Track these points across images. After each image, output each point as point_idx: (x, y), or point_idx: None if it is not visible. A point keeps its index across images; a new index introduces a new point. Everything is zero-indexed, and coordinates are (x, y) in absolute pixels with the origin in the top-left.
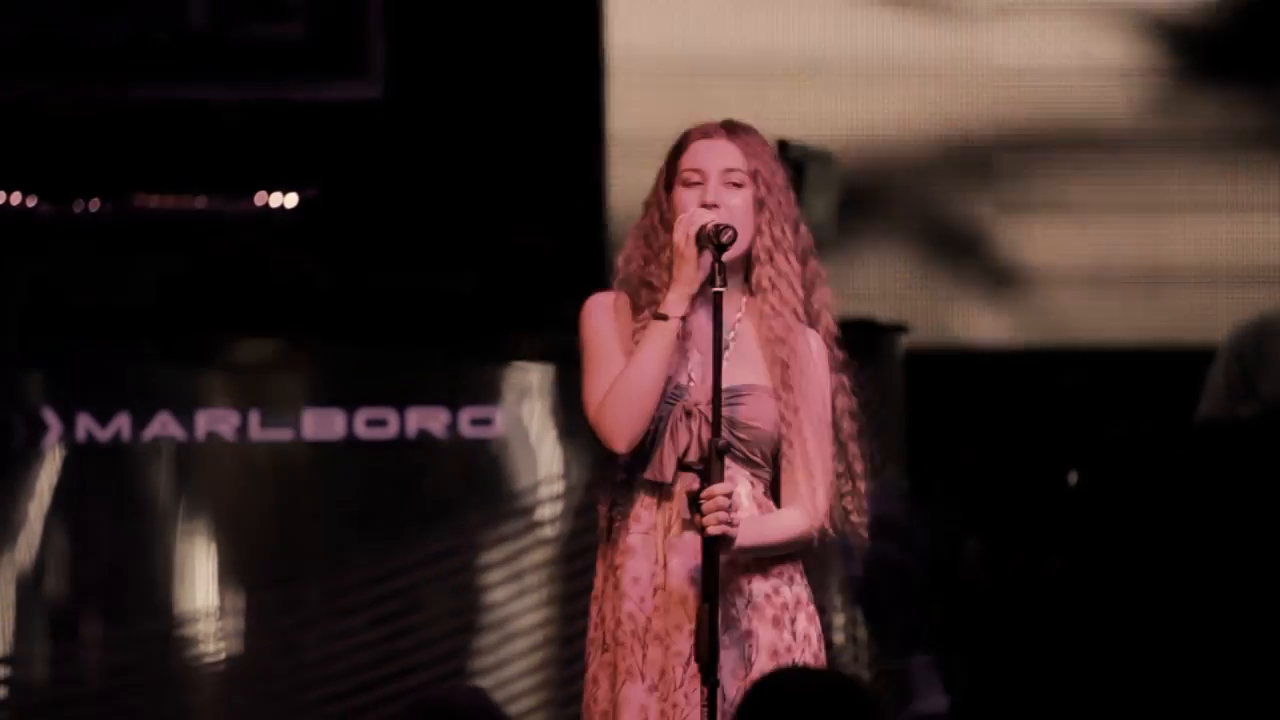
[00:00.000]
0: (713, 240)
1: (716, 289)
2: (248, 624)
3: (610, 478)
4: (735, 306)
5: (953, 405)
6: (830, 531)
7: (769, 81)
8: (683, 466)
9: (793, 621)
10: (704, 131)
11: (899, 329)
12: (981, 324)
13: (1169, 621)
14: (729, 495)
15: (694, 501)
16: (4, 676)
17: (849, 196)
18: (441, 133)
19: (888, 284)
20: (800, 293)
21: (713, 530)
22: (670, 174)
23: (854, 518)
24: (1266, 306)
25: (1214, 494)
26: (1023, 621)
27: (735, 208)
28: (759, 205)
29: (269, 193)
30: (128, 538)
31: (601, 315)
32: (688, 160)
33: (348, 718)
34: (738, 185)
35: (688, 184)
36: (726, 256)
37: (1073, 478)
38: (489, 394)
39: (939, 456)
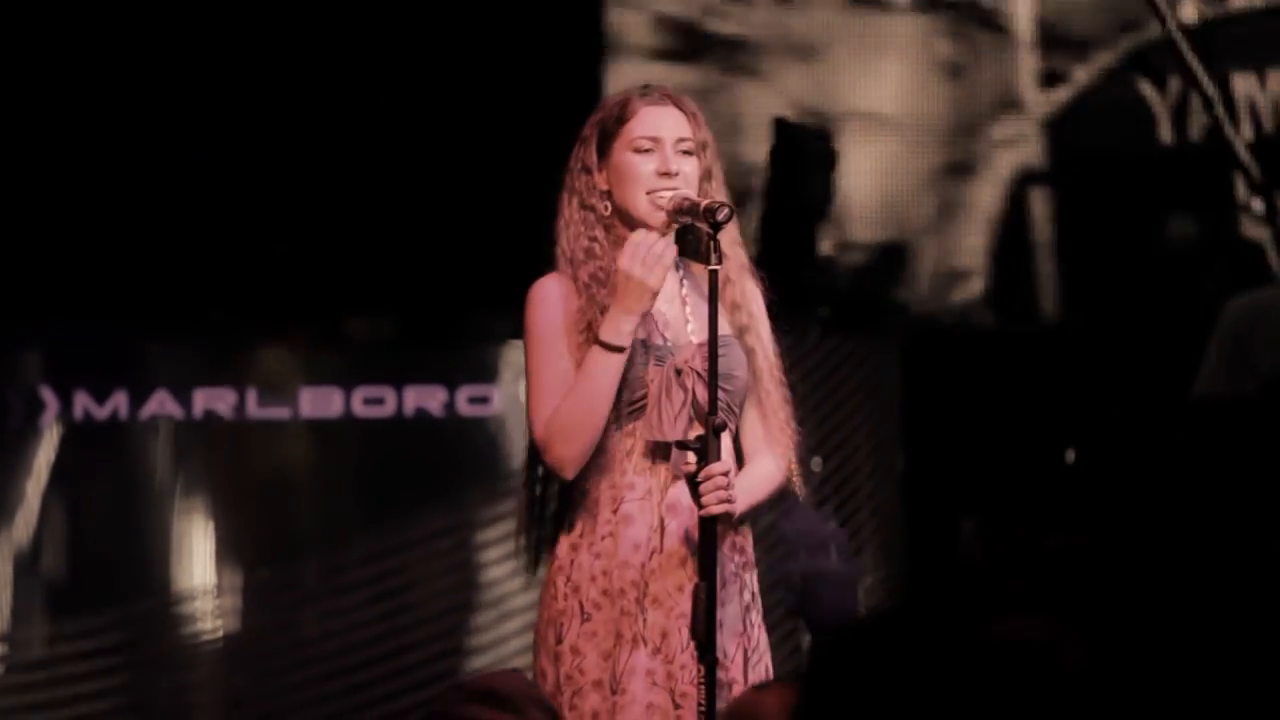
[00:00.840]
0: (708, 218)
1: (713, 267)
2: (245, 602)
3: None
4: (676, 264)
5: (949, 383)
6: (796, 485)
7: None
8: (680, 445)
9: (751, 580)
10: (651, 98)
11: (896, 306)
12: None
13: (1168, 599)
14: (726, 474)
15: (692, 483)
16: (1, 654)
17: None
18: (438, 108)
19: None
20: (748, 253)
21: (714, 510)
22: (608, 137)
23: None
24: (1263, 289)
25: (1214, 471)
26: (1020, 601)
27: (689, 175)
28: (707, 175)
29: None
30: (125, 516)
31: (548, 311)
32: (638, 127)
33: (345, 695)
34: (688, 154)
35: (639, 150)
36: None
37: (1070, 456)
38: (486, 372)
39: (935, 434)
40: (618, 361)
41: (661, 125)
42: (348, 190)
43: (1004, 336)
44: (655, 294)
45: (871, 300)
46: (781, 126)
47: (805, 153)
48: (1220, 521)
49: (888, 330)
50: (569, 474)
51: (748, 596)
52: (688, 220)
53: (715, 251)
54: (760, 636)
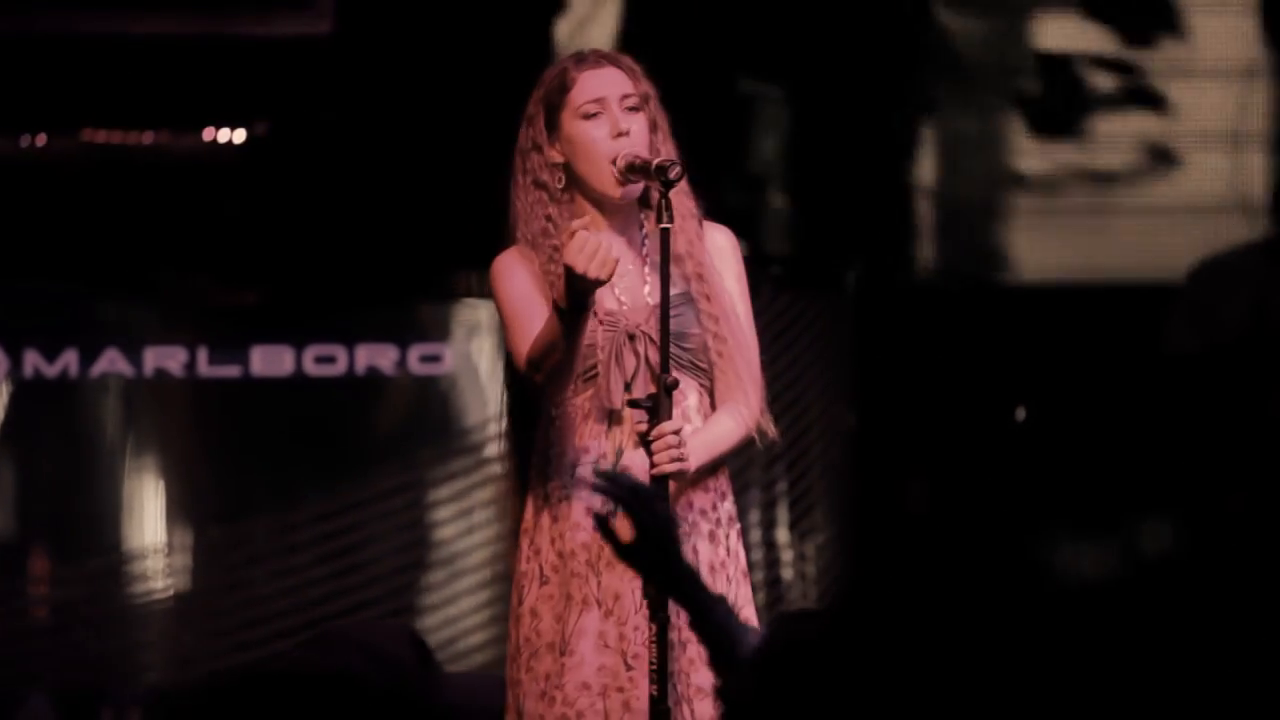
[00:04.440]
0: (659, 176)
1: (665, 225)
2: (195, 560)
3: (542, 412)
4: (635, 222)
5: (902, 342)
6: (767, 430)
7: None
8: (631, 404)
9: (726, 537)
10: (587, 63)
11: (849, 265)
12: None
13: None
14: (678, 432)
15: (644, 442)
16: None
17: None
18: (390, 68)
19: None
20: (696, 201)
21: (666, 469)
22: (554, 110)
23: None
24: (1220, 248)
25: (1168, 430)
26: (968, 559)
27: (640, 133)
28: (653, 126)
29: (217, 128)
30: (75, 474)
31: (515, 276)
32: (581, 94)
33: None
34: (634, 110)
35: (588, 116)
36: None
37: (1020, 414)
38: (438, 331)
39: (887, 393)
40: (575, 320)
41: (604, 86)
42: (300, 149)
43: (956, 295)
44: (604, 282)
45: (824, 258)
46: (736, 86)
47: (759, 112)
48: (1173, 480)
49: (840, 288)
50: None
51: (722, 553)
52: (638, 179)
53: (667, 210)
54: (738, 592)
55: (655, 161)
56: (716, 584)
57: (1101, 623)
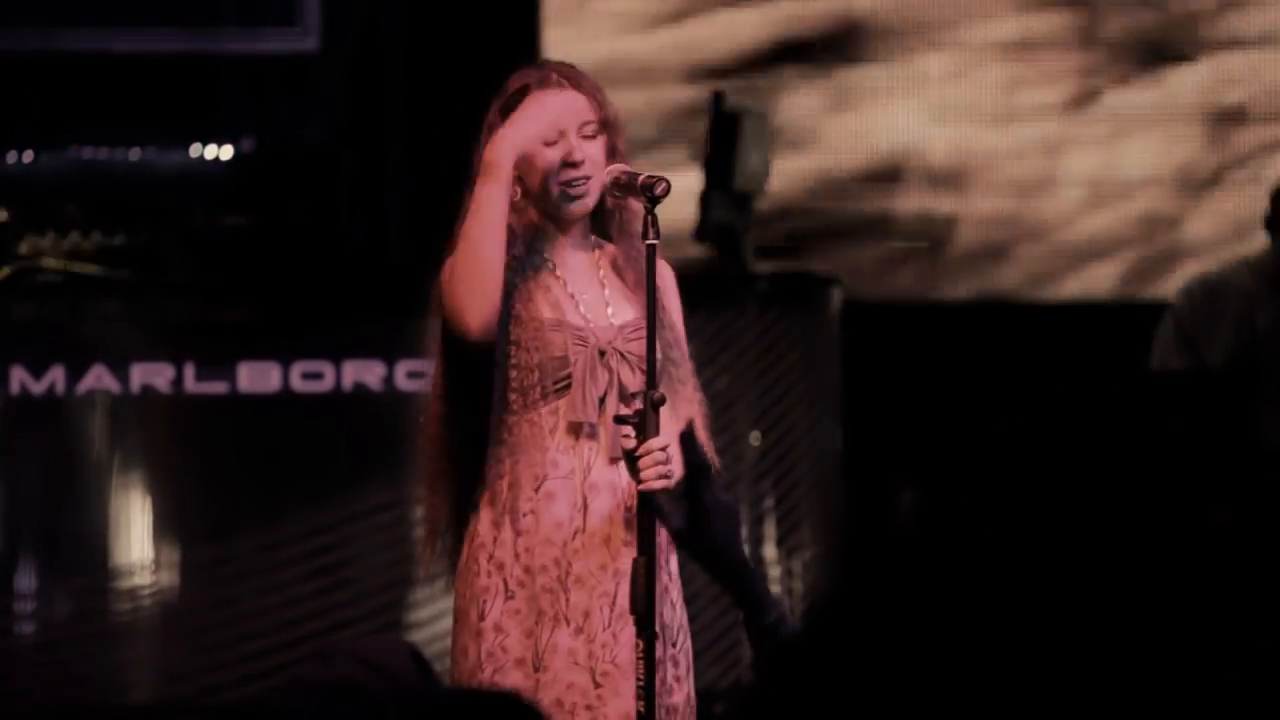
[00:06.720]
0: (646, 193)
1: (651, 242)
2: (183, 577)
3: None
4: (588, 246)
5: (889, 357)
6: (712, 458)
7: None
8: (618, 420)
9: (668, 561)
10: (550, 84)
11: (835, 280)
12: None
13: (1097, 570)
14: (665, 449)
15: (630, 459)
16: None
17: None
18: (377, 84)
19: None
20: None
21: (653, 485)
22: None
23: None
24: (1211, 269)
25: (1155, 446)
26: (958, 572)
27: (595, 159)
28: (612, 151)
29: (204, 145)
30: (62, 491)
31: None
32: None
33: (283, 670)
34: (591, 137)
35: (545, 142)
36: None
37: (1004, 429)
38: (425, 347)
39: (874, 408)
40: (496, 192)
41: (562, 114)
42: (287, 165)
43: (943, 310)
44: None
45: (810, 273)
46: (719, 101)
47: (743, 127)
48: (1160, 496)
49: (827, 303)
50: (471, 323)
51: (665, 578)
52: (622, 195)
53: (653, 227)
54: (680, 617)
55: (642, 177)
56: (662, 608)
57: (1087, 638)
